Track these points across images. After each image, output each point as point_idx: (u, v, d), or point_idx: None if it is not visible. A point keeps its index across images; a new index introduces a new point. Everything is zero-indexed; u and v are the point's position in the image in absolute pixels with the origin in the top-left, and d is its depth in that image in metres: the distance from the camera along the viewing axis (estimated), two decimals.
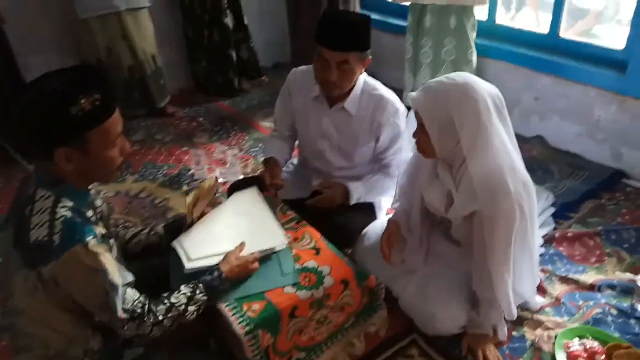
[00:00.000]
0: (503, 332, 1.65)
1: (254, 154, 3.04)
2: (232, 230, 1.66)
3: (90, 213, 1.26)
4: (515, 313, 1.64)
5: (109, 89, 1.20)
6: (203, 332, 1.62)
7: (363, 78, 1.93)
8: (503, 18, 3.15)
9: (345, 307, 1.62)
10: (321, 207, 1.97)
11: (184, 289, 1.37)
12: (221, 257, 1.51)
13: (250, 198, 1.84)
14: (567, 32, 2.89)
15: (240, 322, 1.43)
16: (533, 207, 1.57)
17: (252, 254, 1.56)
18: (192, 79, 3.87)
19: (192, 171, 2.87)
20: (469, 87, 1.45)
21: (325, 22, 1.76)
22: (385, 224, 1.79)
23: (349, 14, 1.77)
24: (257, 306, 1.48)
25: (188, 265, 1.51)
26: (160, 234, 1.63)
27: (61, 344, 1.25)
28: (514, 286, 1.61)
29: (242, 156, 3.00)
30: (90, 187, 1.32)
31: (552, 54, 2.79)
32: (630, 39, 2.52)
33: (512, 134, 1.55)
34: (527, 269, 1.65)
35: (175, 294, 1.35)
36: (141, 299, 1.29)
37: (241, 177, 2.69)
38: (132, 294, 1.27)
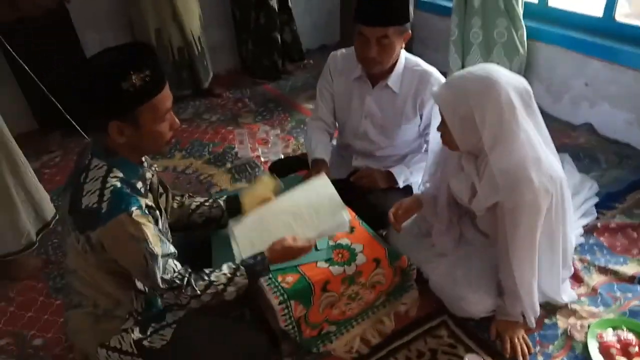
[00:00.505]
0: (531, 321, 1.64)
1: (295, 135, 3.10)
2: (291, 223, 1.61)
3: (139, 185, 1.33)
4: (537, 309, 1.63)
5: (159, 65, 1.25)
6: (239, 302, 1.69)
7: (404, 55, 1.94)
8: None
9: (377, 285, 1.67)
10: (362, 184, 2.01)
11: (226, 268, 1.41)
12: None
13: (318, 185, 1.75)
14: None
15: (274, 292, 1.51)
16: (562, 202, 1.53)
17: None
18: (239, 61, 3.95)
19: (235, 149, 2.97)
20: (491, 81, 1.41)
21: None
22: None
23: None
24: (290, 278, 1.54)
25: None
26: (222, 209, 1.69)
27: (109, 304, 1.35)
28: (539, 282, 1.60)
29: (284, 136, 3.07)
30: (143, 159, 1.40)
31: (605, 37, 2.69)
32: None
33: (543, 126, 1.52)
34: (554, 268, 1.62)
35: (216, 272, 1.39)
36: (181, 271, 1.34)
37: (282, 156, 2.76)
38: (173, 265, 1.33)
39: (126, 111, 1.22)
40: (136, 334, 1.38)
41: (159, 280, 1.29)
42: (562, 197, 1.53)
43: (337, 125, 2.23)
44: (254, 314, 1.70)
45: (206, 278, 1.37)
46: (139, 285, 1.38)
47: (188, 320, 1.44)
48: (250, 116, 3.40)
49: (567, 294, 1.76)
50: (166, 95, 1.28)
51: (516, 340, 1.62)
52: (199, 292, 1.34)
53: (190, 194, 1.74)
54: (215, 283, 1.37)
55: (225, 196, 1.74)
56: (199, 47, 3.46)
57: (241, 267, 1.42)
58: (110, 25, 3.36)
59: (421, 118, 1.98)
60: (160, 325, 1.41)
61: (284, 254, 1.49)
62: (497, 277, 1.65)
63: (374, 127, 2.04)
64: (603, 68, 2.69)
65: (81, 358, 1.52)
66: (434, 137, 1.77)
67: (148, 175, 1.41)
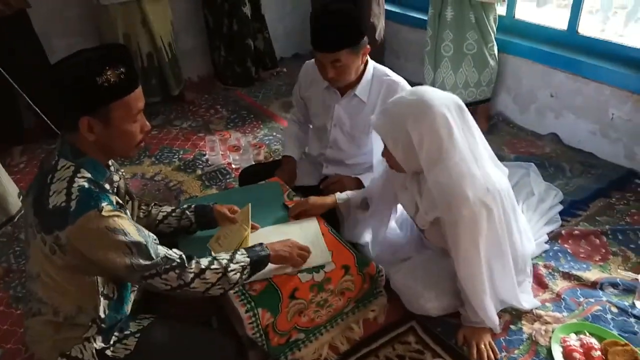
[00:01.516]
0: (495, 327, 1.67)
1: (267, 142, 3.09)
2: None
3: (107, 186, 1.31)
4: (495, 319, 1.65)
5: (133, 65, 1.26)
6: (206, 310, 1.68)
7: (372, 65, 1.96)
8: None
9: (346, 292, 1.67)
10: (331, 191, 2.02)
11: (223, 253, 1.43)
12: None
13: (307, 226, 1.80)
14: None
15: (241, 300, 1.49)
16: (504, 212, 1.55)
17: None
18: (212, 67, 3.93)
19: (206, 156, 2.94)
20: (425, 105, 1.45)
21: (312, 24, 1.81)
22: None
23: (334, 12, 1.78)
24: (258, 286, 1.53)
25: None
26: (191, 220, 1.69)
27: (70, 311, 1.30)
28: (495, 292, 1.63)
29: (256, 143, 3.05)
30: (110, 163, 1.38)
31: (569, 50, 2.77)
32: None
33: (480, 139, 1.56)
34: (506, 275, 1.65)
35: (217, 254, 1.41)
36: (176, 250, 1.33)
37: (253, 163, 2.75)
38: (164, 248, 1.31)
39: (98, 106, 1.21)
40: (98, 344, 1.34)
41: (154, 262, 1.25)
42: (504, 208, 1.55)
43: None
44: (221, 322, 1.68)
45: (208, 256, 1.38)
46: (107, 290, 1.34)
47: (153, 329, 1.41)
48: (221, 123, 3.38)
49: (527, 300, 1.78)
50: (139, 96, 1.28)
51: (482, 345, 1.63)
52: (203, 266, 1.33)
53: (157, 203, 1.71)
54: (218, 258, 1.37)
55: (193, 205, 1.72)
56: (169, 54, 3.43)
57: (239, 249, 1.44)
58: (79, 32, 3.32)
59: None
60: (124, 334, 1.38)
61: (283, 243, 1.54)
62: (455, 279, 1.67)
63: (344, 135, 2.06)
64: (567, 80, 2.77)
65: None
66: (377, 150, 1.81)
67: (115, 178, 1.41)
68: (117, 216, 1.23)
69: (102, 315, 1.34)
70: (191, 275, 1.31)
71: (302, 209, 1.83)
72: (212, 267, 1.35)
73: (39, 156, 3.02)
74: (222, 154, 2.91)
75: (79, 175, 1.23)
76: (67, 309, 1.30)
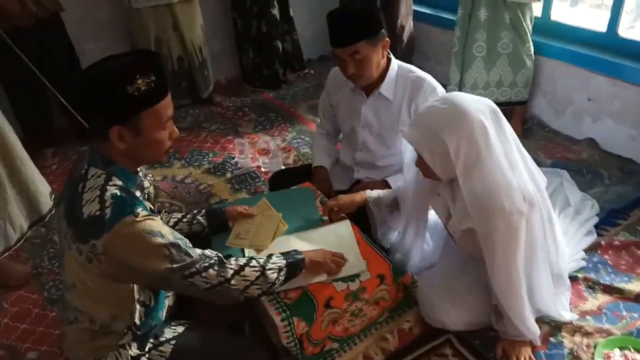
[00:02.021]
0: (535, 340, 1.63)
1: (296, 145, 3.07)
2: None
3: (138, 194, 1.31)
4: (535, 330, 1.60)
5: (164, 72, 1.25)
6: (238, 317, 1.67)
7: (397, 63, 1.94)
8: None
9: (380, 301, 1.64)
10: None
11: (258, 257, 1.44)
12: None
13: (340, 230, 1.77)
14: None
15: (276, 309, 1.47)
16: (542, 220, 1.51)
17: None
18: (240, 69, 3.93)
19: (235, 159, 2.94)
20: (460, 112, 1.40)
21: (328, 22, 1.80)
22: None
23: (349, 7, 1.80)
24: (293, 294, 1.51)
25: None
26: (203, 225, 1.68)
27: (106, 319, 1.30)
28: (532, 302, 1.58)
29: (285, 147, 3.04)
30: (138, 169, 1.38)
31: (608, 53, 2.69)
32: None
33: (512, 141, 1.50)
34: (544, 283, 1.60)
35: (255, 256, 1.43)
36: (211, 250, 1.34)
37: (283, 167, 2.74)
38: (199, 250, 1.31)
39: (129, 115, 1.20)
40: (134, 350, 1.34)
41: (193, 259, 1.25)
42: (541, 215, 1.51)
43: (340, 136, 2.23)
44: (254, 329, 1.66)
45: (246, 257, 1.40)
46: (144, 297, 1.34)
47: (188, 336, 1.41)
48: (250, 126, 3.38)
49: (566, 311, 1.73)
50: (169, 103, 1.28)
51: (522, 359, 1.59)
52: (242, 263, 1.34)
53: (167, 210, 1.72)
54: (255, 257, 1.39)
55: (204, 210, 1.72)
56: (200, 58, 3.44)
57: (275, 253, 1.45)
58: (110, 35, 3.35)
59: None
60: (159, 341, 1.38)
61: (316, 253, 1.53)
62: (481, 294, 1.65)
63: (372, 136, 2.04)
64: (606, 83, 2.69)
65: None
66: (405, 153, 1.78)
67: (146, 184, 1.41)
68: (152, 219, 1.23)
69: (138, 322, 1.34)
70: (231, 272, 1.31)
71: (333, 204, 1.80)
72: (251, 264, 1.36)
73: (70, 158, 3.06)
74: (251, 157, 2.91)
75: (110, 183, 1.23)
76: (103, 316, 1.30)
